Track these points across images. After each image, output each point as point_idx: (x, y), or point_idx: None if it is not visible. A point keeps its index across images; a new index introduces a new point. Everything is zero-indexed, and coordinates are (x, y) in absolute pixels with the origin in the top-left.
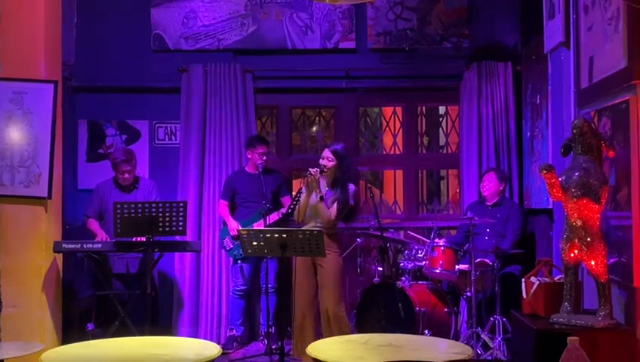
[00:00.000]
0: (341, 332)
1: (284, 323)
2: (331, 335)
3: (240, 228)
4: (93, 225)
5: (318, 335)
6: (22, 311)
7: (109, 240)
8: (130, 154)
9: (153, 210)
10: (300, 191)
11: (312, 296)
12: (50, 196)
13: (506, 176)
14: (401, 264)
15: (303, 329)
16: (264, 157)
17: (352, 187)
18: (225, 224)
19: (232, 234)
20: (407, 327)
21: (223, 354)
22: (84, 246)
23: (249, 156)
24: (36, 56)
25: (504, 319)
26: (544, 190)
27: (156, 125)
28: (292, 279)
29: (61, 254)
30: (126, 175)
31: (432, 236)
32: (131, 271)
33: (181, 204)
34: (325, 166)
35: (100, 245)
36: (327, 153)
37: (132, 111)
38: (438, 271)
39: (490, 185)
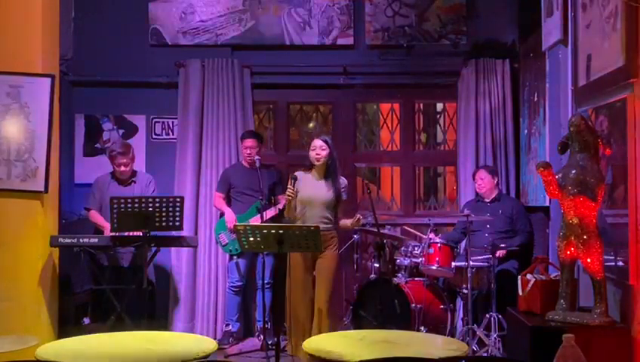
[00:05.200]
0: (331, 328)
1: (279, 319)
2: (320, 331)
3: (236, 221)
4: (96, 216)
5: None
6: (17, 306)
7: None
8: (127, 147)
9: (150, 205)
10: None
11: (311, 292)
12: (46, 190)
13: (496, 170)
14: (398, 260)
15: (299, 326)
16: (248, 151)
17: (344, 181)
18: (220, 219)
19: (229, 225)
20: (402, 324)
21: (218, 349)
22: (81, 240)
23: (243, 152)
24: (33, 50)
25: (500, 316)
26: (541, 187)
27: (153, 120)
28: (287, 275)
29: (57, 248)
30: (122, 168)
31: (428, 233)
32: (127, 265)
33: (178, 199)
34: (319, 155)
35: (96, 239)
36: (319, 142)
37: (129, 105)
38: (434, 267)
39: (485, 182)
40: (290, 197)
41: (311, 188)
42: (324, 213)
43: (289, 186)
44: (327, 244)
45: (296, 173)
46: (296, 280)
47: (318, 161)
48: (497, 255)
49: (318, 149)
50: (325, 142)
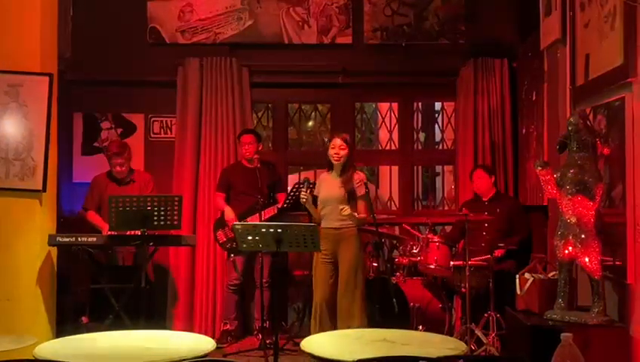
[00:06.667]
0: (355, 324)
1: (278, 318)
2: (346, 327)
3: (236, 220)
4: (94, 217)
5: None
6: (16, 305)
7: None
8: (123, 147)
9: (148, 204)
10: (295, 187)
11: (333, 287)
12: (44, 189)
13: (492, 169)
14: (396, 259)
15: (320, 321)
16: (246, 147)
17: (360, 175)
18: (219, 217)
19: (228, 223)
20: (401, 323)
21: (217, 348)
22: (79, 239)
23: (242, 150)
24: (32, 49)
25: (498, 315)
26: (539, 187)
27: (152, 119)
28: (311, 270)
29: (55, 247)
30: (118, 168)
31: (426, 232)
32: (126, 264)
33: (176, 199)
34: (339, 154)
35: (94, 238)
36: (338, 142)
37: (127, 104)
38: (432, 266)
39: (482, 181)
40: (303, 200)
41: (327, 188)
42: (339, 210)
43: (302, 190)
44: (347, 241)
45: (318, 179)
46: (317, 277)
47: (337, 160)
48: (495, 254)
49: (337, 148)
50: (345, 141)
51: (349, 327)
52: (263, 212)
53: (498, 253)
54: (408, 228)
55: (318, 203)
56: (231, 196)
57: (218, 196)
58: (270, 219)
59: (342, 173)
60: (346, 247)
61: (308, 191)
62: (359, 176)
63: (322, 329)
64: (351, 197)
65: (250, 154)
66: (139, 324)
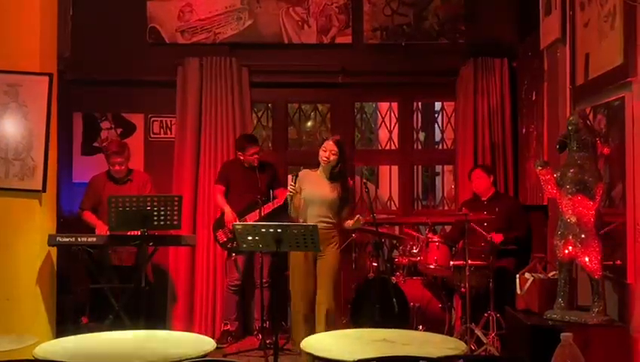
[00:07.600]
0: (333, 326)
1: (278, 318)
2: (323, 329)
3: (237, 220)
4: (90, 216)
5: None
6: (15, 304)
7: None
8: (123, 146)
9: (148, 204)
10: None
11: (312, 290)
12: (44, 189)
13: (491, 169)
14: (396, 259)
15: (301, 323)
16: (256, 156)
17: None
18: (218, 216)
19: (228, 225)
20: (400, 322)
21: (217, 348)
22: (79, 239)
23: (241, 158)
24: (31, 49)
25: (498, 314)
26: (539, 186)
27: (151, 119)
28: (289, 272)
29: (55, 247)
30: (117, 167)
31: (426, 232)
32: (126, 264)
33: (176, 198)
34: (328, 158)
35: (94, 239)
36: (330, 145)
37: (127, 104)
38: (432, 266)
39: (481, 181)
40: (291, 194)
41: (313, 187)
42: (324, 212)
43: (290, 183)
44: (328, 243)
45: (299, 172)
46: (298, 278)
47: (325, 162)
48: (495, 241)
49: (329, 152)
50: (338, 145)
51: (323, 329)
52: (262, 208)
53: (497, 239)
54: (409, 230)
55: (302, 200)
56: (230, 195)
57: (218, 189)
58: (269, 216)
59: (331, 177)
60: (328, 249)
61: (295, 185)
62: (357, 182)
63: (305, 329)
64: (343, 202)
65: (256, 163)
66: (139, 324)
